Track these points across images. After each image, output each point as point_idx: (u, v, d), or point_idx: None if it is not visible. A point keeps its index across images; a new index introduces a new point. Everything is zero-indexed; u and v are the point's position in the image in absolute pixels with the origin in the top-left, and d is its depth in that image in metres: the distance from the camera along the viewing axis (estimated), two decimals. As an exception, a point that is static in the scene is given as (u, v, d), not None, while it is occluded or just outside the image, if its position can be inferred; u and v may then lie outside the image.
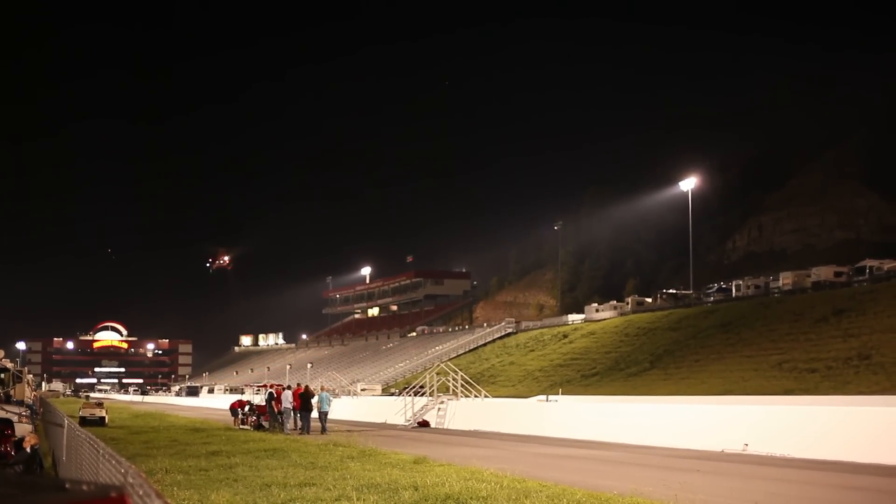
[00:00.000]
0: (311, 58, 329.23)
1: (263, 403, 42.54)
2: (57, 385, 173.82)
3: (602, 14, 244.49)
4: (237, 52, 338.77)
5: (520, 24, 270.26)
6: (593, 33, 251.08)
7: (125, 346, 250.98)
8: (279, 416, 38.55)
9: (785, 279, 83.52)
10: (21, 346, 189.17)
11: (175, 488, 15.22)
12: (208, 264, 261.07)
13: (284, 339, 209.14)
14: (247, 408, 44.14)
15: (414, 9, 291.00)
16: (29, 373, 71.91)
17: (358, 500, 13.61)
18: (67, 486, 2.74)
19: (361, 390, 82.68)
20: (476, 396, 45.98)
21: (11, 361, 62.41)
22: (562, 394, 58.66)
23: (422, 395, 47.27)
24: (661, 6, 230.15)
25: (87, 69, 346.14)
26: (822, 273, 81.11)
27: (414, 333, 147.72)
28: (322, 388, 43.41)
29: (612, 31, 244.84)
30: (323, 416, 37.48)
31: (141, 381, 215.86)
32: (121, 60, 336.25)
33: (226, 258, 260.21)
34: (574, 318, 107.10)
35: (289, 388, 40.85)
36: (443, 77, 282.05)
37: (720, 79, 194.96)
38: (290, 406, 37.83)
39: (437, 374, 48.37)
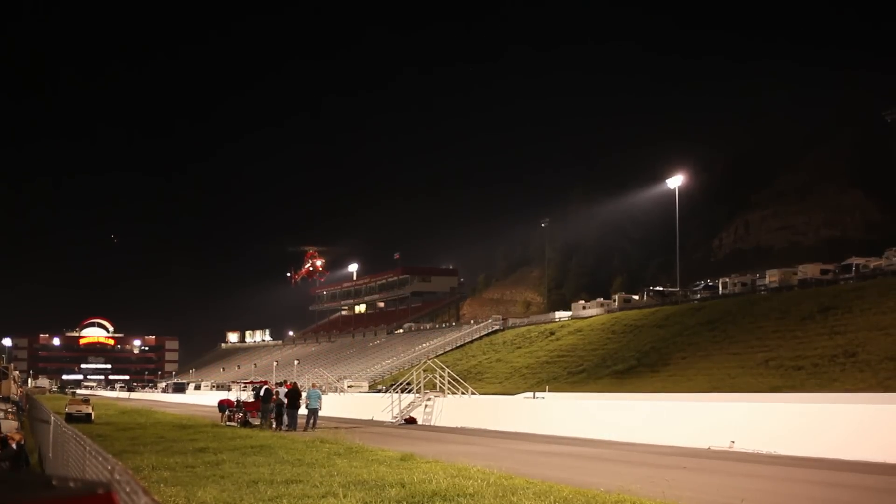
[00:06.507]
0: (307, 58, 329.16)
1: (251, 400, 42.54)
2: (43, 381, 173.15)
3: (591, 10, 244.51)
4: (231, 54, 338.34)
5: (510, 24, 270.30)
6: (584, 32, 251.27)
7: (112, 342, 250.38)
8: (270, 413, 38.50)
9: (771, 277, 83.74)
10: (7, 342, 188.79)
11: (162, 485, 15.19)
12: (290, 273, 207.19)
13: (271, 335, 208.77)
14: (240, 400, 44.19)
15: (415, 8, 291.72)
16: (15, 369, 71.86)
17: (345, 497, 13.59)
18: (54, 482, 2.73)
19: (348, 387, 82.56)
20: (463, 393, 46.01)
21: (-3, 358, 62.31)
22: (549, 391, 58.79)
23: (409, 391, 47.27)
24: (650, 4, 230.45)
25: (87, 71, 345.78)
26: (809, 270, 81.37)
27: (401, 330, 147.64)
28: (313, 385, 43.39)
29: (603, 29, 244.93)
30: (312, 413, 37.42)
31: (127, 377, 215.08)
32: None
33: (318, 263, 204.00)
34: (561, 315, 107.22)
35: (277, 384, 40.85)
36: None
37: (707, 77, 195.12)
38: (280, 402, 37.84)
39: (424, 370, 48.39)
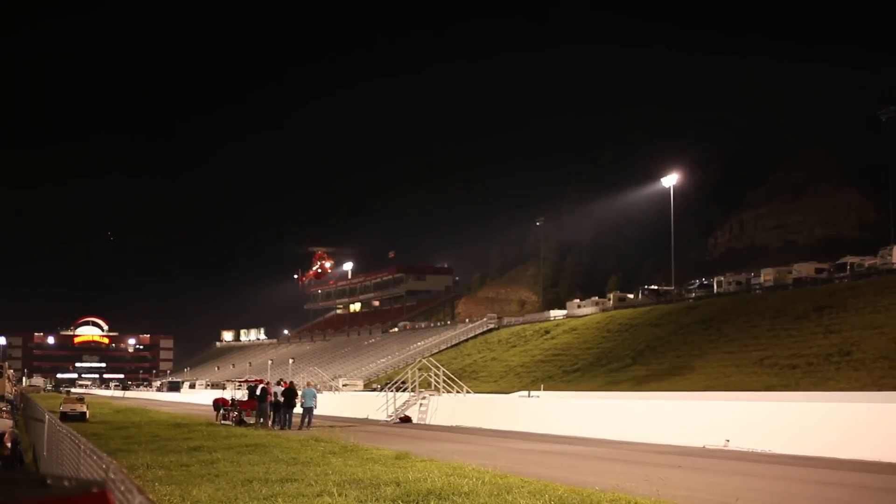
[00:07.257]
0: (302, 58, 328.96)
1: (246, 399, 42.52)
2: (38, 380, 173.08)
3: (584, 9, 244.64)
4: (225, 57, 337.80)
5: (505, 24, 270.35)
6: (577, 31, 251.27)
7: (106, 341, 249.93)
8: (267, 411, 38.44)
9: (766, 275, 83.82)
10: (1, 340, 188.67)
11: (156, 484, 15.16)
12: (297, 275, 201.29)
13: (266, 334, 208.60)
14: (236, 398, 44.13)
15: (411, 8, 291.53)
16: (9, 368, 71.66)
17: (339, 495, 13.57)
18: (49, 481, 2.72)
19: (343, 386, 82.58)
20: (458, 392, 45.97)
21: (-9, 356, 62.16)
22: (543, 389, 58.78)
23: (404, 390, 47.26)
24: (644, 4, 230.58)
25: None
26: (803, 269, 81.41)
27: (396, 329, 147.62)
28: (308, 384, 43.38)
29: (596, 28, 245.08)
30: (307, 411, 37.38)
31: (122, 376, 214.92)
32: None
33: (327, 264, 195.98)
34: (556, 313, 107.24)
35: (269, 383, 40.79)
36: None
37: (702, 76, 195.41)
38: (277, 401, 37.83)
39: (419, 369, 48.34)
